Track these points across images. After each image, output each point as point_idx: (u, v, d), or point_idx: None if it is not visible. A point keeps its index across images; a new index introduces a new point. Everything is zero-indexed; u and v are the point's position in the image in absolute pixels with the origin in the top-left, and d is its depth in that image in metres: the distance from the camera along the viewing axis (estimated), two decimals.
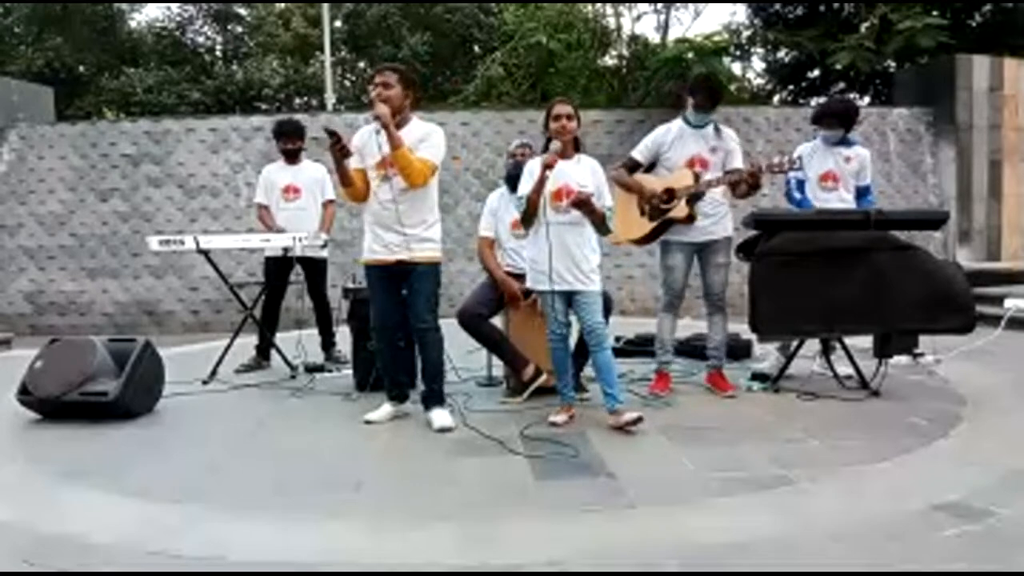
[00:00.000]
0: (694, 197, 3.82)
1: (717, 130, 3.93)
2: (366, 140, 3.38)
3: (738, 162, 3.93)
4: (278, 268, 4.94)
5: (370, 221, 3.46)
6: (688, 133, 3.90)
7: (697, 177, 3.81)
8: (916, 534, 2.16)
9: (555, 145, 3.30)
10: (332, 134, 3.25)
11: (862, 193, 4.34)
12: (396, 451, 3.14)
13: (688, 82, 4.10)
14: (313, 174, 5.09)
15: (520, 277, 3.77)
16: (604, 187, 3.42)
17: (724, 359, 4.10)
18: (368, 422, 3.48)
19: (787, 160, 3.80)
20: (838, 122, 4.27)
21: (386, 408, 3.56)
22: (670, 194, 3.82)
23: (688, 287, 4.07)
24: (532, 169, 3.33)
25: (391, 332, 3.54)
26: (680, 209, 3.82)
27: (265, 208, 5.07)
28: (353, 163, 3.42)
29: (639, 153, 3.97)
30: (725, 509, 2.38)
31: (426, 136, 3.37)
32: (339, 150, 3.26)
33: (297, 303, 5.20)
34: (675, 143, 3.89)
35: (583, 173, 3.37)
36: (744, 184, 3.80)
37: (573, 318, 3.44)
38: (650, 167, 3.99)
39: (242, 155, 9.92)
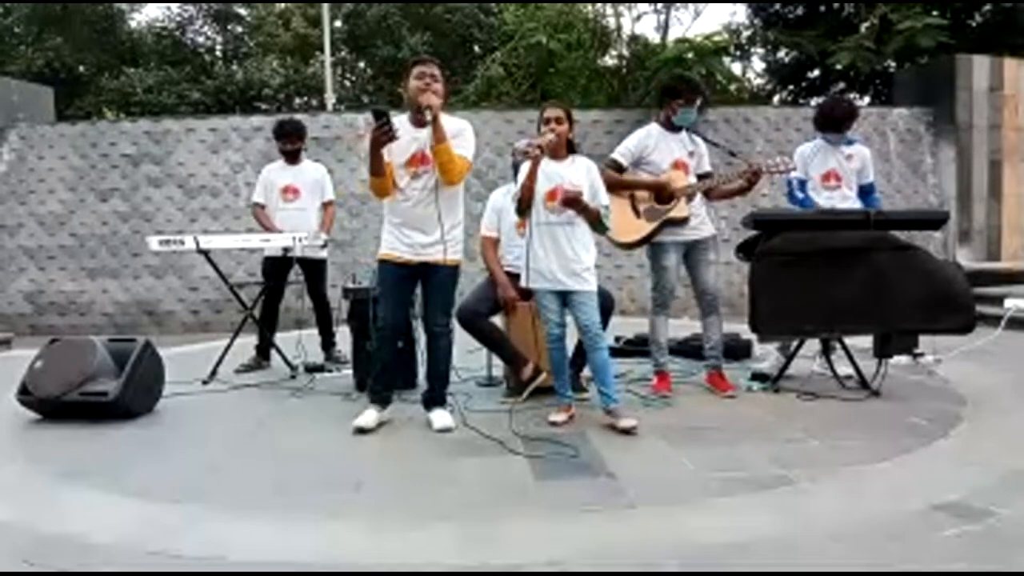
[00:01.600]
0: (691, 197, 3.86)
1: (690, 134, 3.99)
2: (399, 134, 3.24)
3: (708, 166, 4.04)
4: (276, 268, 4.94)
5: (395, 221, 3.33)
6: (669, 137, 3.92)
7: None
8: (916, 534, 2.16)
9: (549, 136, 3.30)
10: (382, 115, 3.08)
11: (867, 191, 4.35)
12: (396, 451, 3.14)
13: (665, 87, 4.07)
14: (313, 175, 5.08)
15: (520, 277, 3.76)
16: (599, 186, 3.42)
17: (722, 358, 4.10)
18: (360, 429, 3.31)
19: (783, 162, 3.87)
20: (850, 123, 4.29)
21: (373, 413, 3.40)
22: (669, 195, 3.83)
23: (684, 287, 4.08)
24: (527, 166, 3.33)
25: (398, 333, 3.50)
26: (681, 208, 3.84)
27: (261, 207, 5.07)
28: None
29: (622, 156, 3.92)
30: (725, 509, 2.38)
31: (459, 132, 3.29)
32: (384, 133, 3.09)
33: (297, 303, 5.20)
34: (659, 146, 3.90)
35: (577, 174, 3.38)
36: (745, 181, 3.84)
37: (571, 318, 3.44)
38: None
39: (242, 155, 9.92)
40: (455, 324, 3.77)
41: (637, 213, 3.90)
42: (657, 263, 3.96)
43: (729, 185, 3.96)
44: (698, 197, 3.95)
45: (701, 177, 3.96)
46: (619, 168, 3.91)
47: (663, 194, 3.85)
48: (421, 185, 3.27)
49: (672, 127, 3.94)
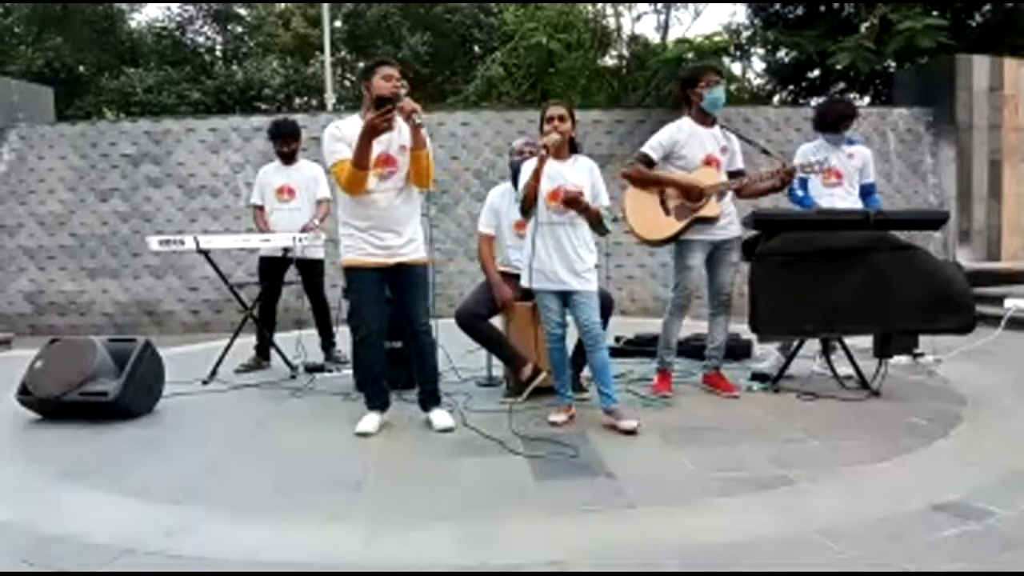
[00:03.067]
0: (722, 195, 3.82)
1: (723, 130, 3.94)
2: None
3: (740, 163, 3.96)
4: (272, 268, 4.94)
5: (362, 224, 3.27)
6: (701, 132, 3.86)
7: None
8: (916, 534, 2.16)
9: (553, 136, 3.30)
10: (387, 101, 3.01)
11: (867, 191, 4.35)
12: (396, 451, 3.14)
13: (683, 81, 4.02)
14: (308, 174, 5.06)
15: (519, 277, 3.76)
16: (600, 187, 3.42)
17: (723, 360, 4.09)
18: (362, 434, 3.31)
19: (817, 163, 3.87)
20: (851, 121, 4.30)
21: (375, 418, 3.40)
22: (699, 193, 3.79)
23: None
24: (530, 166, 3.34)
25: (383, 338, 3.45)
26: (711, 207, 3.78)
27: (260, 209, 5.06)
28: (347, 152, 3.17)
29: (653, 150, 3.85)
30: (725, 509, 2.38)
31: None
32: (386, 120, 3.01)
33: (297, 303, 5.20)
34: (690, 142, 3.84)
35: (579, 174, 3.38)
36: (777, 180, 3.81)
37: (571, 318, 3.44)
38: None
39: (242, 155, 9.92)
40: (455, 324, 3.78)
41: (667, 210, 3.82)
42: (682, 262, 3.89)
43: (761, 184, 3.88)
44: (728, 196, 3.90)
45: (733, 175, 3.89)
46: (649, 162, 3.85)
47: (693, 192, 3.81)
48: (390, 187, 3.26)
49: (704, 120, 3.87)
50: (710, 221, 3.81)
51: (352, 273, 3.36)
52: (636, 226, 3.84)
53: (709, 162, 3.83)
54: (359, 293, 3.38)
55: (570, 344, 3.55)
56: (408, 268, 3.34)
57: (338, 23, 17.70)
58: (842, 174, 4.28)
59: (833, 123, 4.30)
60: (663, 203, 3.85)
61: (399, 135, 3.24)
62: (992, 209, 10.25)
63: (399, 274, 3.35)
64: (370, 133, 3.06)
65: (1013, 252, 10.23)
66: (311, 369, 4.77)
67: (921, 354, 4.59)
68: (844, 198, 4.27)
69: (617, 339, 5.17)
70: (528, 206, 3.31)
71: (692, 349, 4.83)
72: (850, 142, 4.36)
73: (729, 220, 3.91)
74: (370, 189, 3.23)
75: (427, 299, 3.45)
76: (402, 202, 3.30)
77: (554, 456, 2.93)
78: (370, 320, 3.37)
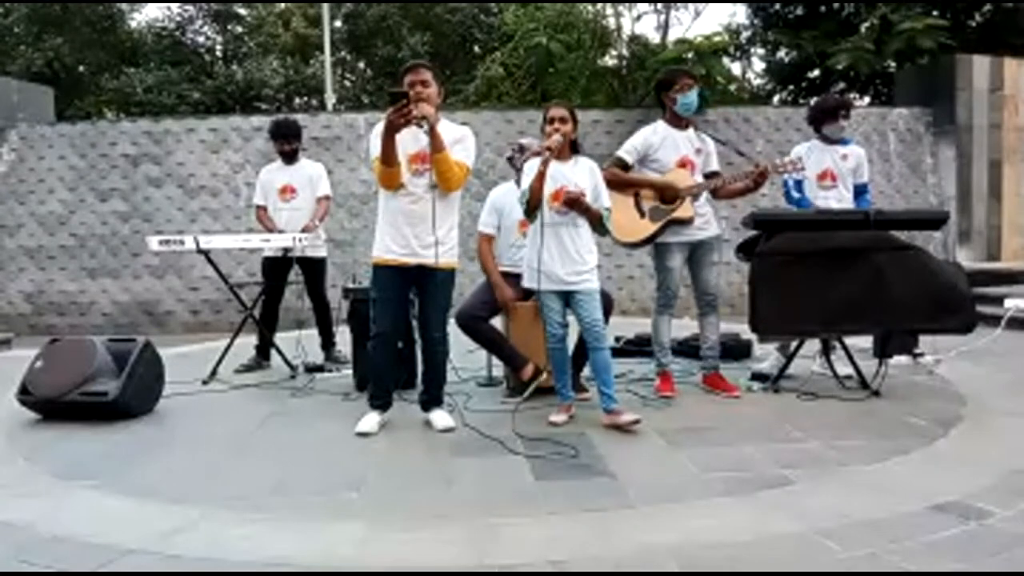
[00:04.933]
0: (695, 197, 3.83)
1: (698, 132, 3.97)
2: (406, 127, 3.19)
3: (715, 165, 4.01)
4: (275, 268, 4.94)
5: (392, 219, 3.28)
6: (675, 135, 3.89)
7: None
8: (916, 534, 2.16)
9: (556, 137, 3.31)
10: (400, 96, 2.99)
11: (860, 192, 4.35)
12: (396, 451, 3.14)
13: (658, 84, 4.05)
14: (309, 172, 5.06)
15: (520, 277, 3.76)
16: (602, 187, 3.43)
17: (719, 359, 4.09)
18: (363, 434, 3.30)
19: (790, 162, 3.86)
20: (847, 112, 4.31)
21: (375, 417, 3.39)
22: (673, 195, 3.81)
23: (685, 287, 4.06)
24: (532, 167, 3.34)
25: (395, 338, 3.46)
26: (685, 209, 3.81)
27: (263, 209, 5.07)
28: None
29: (628, 154, 3.89)
30: (725, 509, 2.38)
31: (461, 139, 3.29)
32: (403, 116, 2.99)
33: (297, 303, 5.20)
34: (664, 144, 3.87)
35: (580, 174, 3.39)
36: (751, 182, 3.82)
37: (572, 318, 3.45)
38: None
39: (242, 155, 9.92)
40: (453, 326, 3.78)
41: (641, 213, 3.85)
42: (661, 264, 3.93)
43: (735, 185, 3.92)
44: (703, 196, 3.92)
45: (708, 176, 3.93)
46: (625, 166, 3.88)
47: (667, 194, 3.83)
48: (423, 183, 3.25)
49: (678, 123, 3.91)
50: (685, 223, 3.83)
51: (376, 270, 3.36)
52: (612, 228, 3.83)
53: (683, 164, 3.86)
54: (378, 291, 3.37)
55: (570, 344, 3.55)
56: (429, 272, 3.30)
57: (338, 23, 17.70)
58: (836, 175, 4.28)
59: (814, 120, 4.36)
60: (638, 205, 3.87)
61: None
62: (992, 209, 10.25)
63: (421, 277, 3.33)
64: (388, 128, 3.07)
65: (1013, 252, 10.23)
66: (311, 369, 4.76)
67: (921, 354, 4.59)
68: (839, 200, 4.27)
69: (617, 339, 5.17)
70: (532, 207, 3.31)
71: (692, 349, 4.83)
72: (844, 142, 4.36)
73: (705, 220, 3.92)
74: (404, 183, 3.24)
75: (447, 306, 3.41)
76: (429, 201, 3.24)
77: (554, 456, 2.93)
78: (382, 320, 3.35)
